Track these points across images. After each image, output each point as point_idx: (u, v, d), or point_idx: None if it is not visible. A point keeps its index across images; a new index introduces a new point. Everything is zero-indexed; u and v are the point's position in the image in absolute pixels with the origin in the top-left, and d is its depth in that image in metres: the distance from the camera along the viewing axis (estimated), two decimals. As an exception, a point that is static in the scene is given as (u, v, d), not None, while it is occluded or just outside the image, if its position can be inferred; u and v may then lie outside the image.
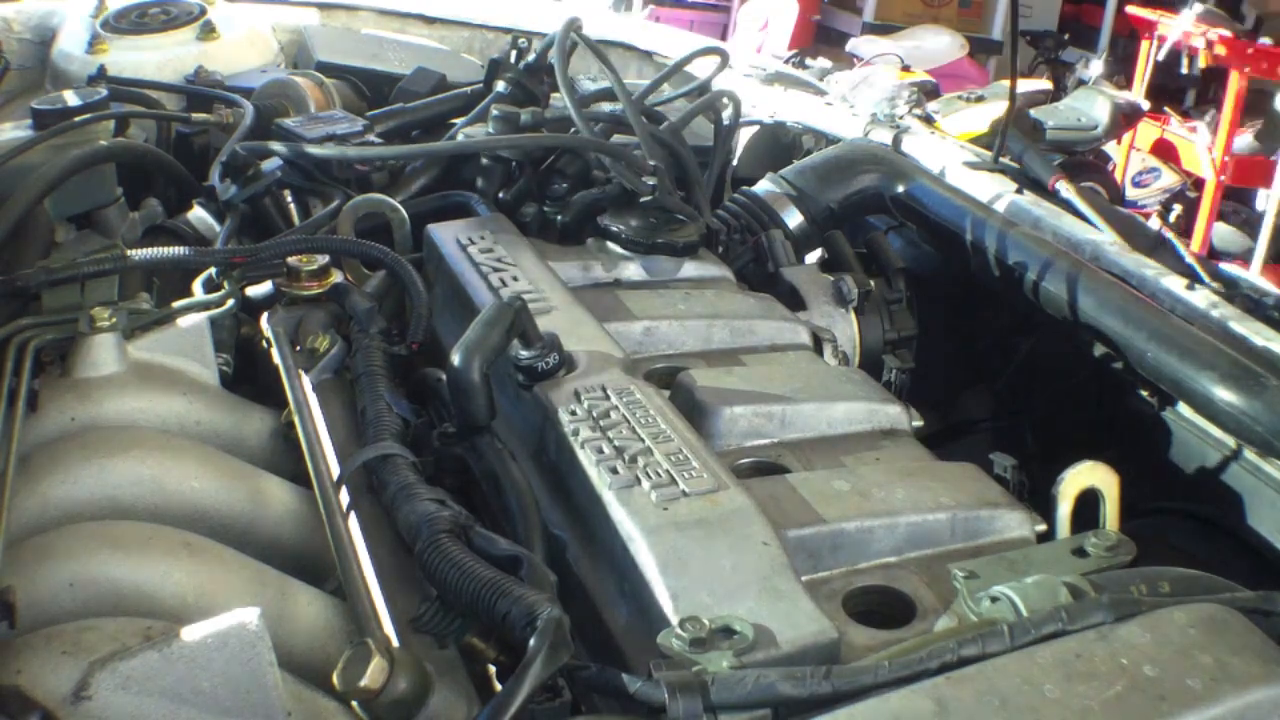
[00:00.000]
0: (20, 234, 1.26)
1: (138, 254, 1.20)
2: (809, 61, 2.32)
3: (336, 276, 1.24)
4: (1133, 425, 1.39)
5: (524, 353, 1.00)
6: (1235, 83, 6.92)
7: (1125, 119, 5.65)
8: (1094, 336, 1.39)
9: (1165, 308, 1.35)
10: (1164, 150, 7.34)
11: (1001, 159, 1.74)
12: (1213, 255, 5.67)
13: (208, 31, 2.02)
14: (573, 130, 1.54)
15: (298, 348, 1.16)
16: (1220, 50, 6.96)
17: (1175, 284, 1.38)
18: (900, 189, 1.70)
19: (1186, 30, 7.15)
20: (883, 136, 1.85)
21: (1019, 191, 1.64)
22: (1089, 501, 0.89)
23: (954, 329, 1.67)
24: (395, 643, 0.80)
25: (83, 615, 0.81)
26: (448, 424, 1.01)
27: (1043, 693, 0.66)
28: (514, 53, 1.74)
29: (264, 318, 1.22)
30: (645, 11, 7.08)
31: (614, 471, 0.87)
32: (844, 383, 1.13)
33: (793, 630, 0.74)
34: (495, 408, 0.98)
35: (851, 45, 6.77)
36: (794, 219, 1.67)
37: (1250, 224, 6.30)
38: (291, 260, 1.22)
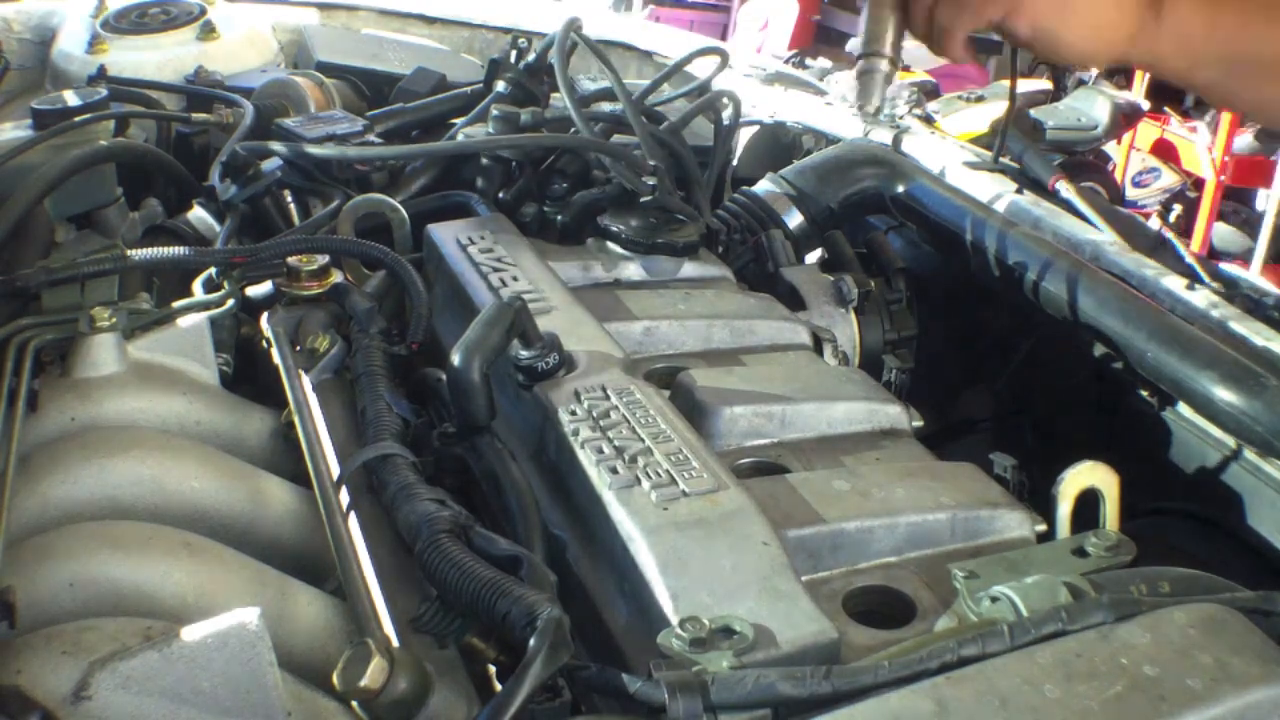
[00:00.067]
0: (20, 234, 1.26)
1: (138, 254, 1.20)
2: (809, 61, 2.32)
3: (336, 276, 1.24)
4: (1133, 425, 1.39)
5: (524, 353, 1.00)
6: (1235, 83, 6.88)
7: (1125, 119, 5.66)
8: (1094, 336, 1.39)
9: (1165, 308, 1.35)
10: (1164, 150, 7.33)
11: (1001, 159, 1.73)
12: (1213, 255, 5.67)
13: (208, 31, 2.02)
14: (573, 130, 1.54)
15: (298, 348, 1.16)
16: (1220, 50, 6.92)
17: (1175, 284, 1.38)
18: (900, 189, 1.70)
19: (1187, 30, 7.11)
20: (883, 136, 1.85)
21: (1019, 191, 1.64)
22: (1089, 501, 0.89)
23: (954, 329, 1.67)
24: (395, 643, 0.80)
25: (83, 615, 0.81)
26: (448, 424, 1.01)
27: (1043, 693, 0.66)
28: (514, 53, 1.74)
29: (264, 318, 1.22)
30: (645, 11, 7.08)
31: (614, 471, 0.87)
32: (844, 383, 1.13)
33: (793, 630, 0.74)
34: (495, 408, 0.98)
35: (852, 45, 6.77)
36: (794, 219, 1.67)
37: (1250, 224, 6.30)
38: (291, 260, 1.22)
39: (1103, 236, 1.51)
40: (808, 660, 0.72)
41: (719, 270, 1.36)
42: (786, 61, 2.69)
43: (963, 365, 1.70)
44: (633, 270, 1.33)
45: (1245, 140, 7.20)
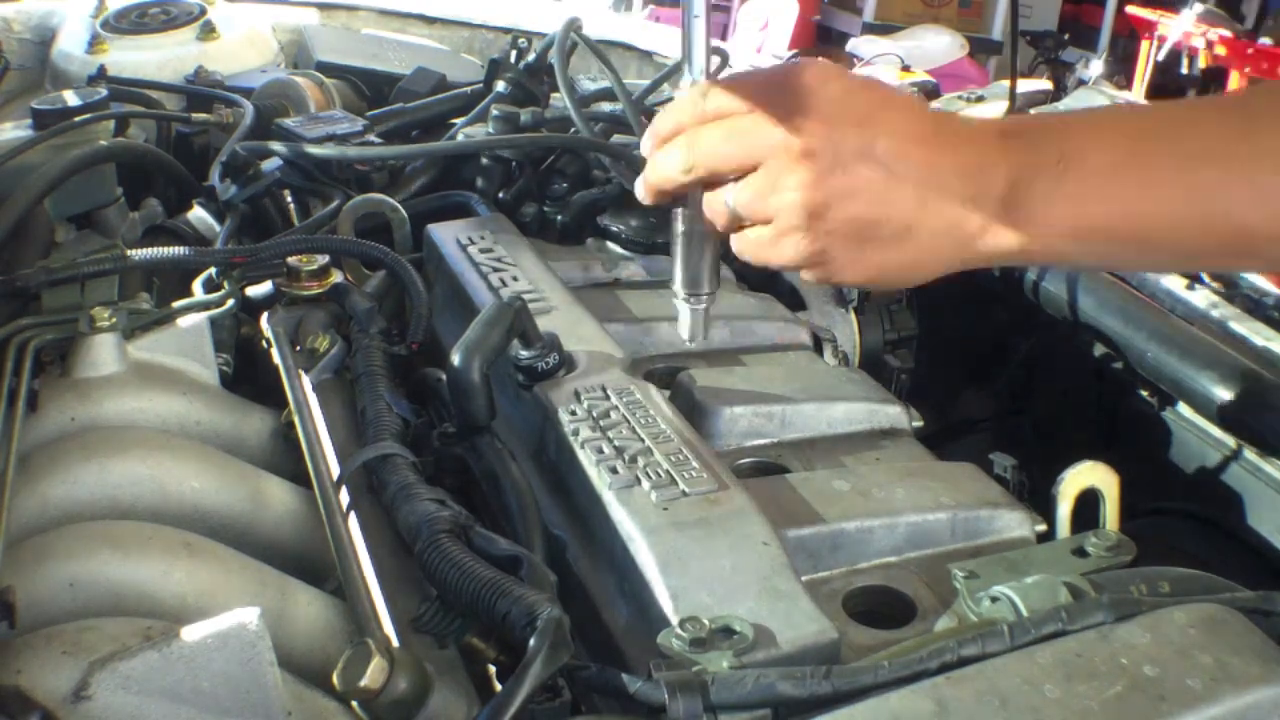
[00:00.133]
0: (20, 234, 1.26)
1: (138, 254, 1.20)
2: (809, 61, 2.31)
3: (336, 276, 1.24)
4: (1133, 425, 1.39)
5: (524, 353, 1.00)
6: (1235, 83, 6.91)
7: (1125, 119, 5.64)
8: (1094, 336, 1.39)
9: (1165, 308, 1.35)
10: (1164, 150, 7.28)
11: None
12: (1213, 255, 5.65)
13: (208, 31, 2.02)
14: (573, 130, 1.54)
15: (298, 348, 1.16)
16: (1220, 50, 6.95)
17: (1175, 284, 1.38)
18: (900, 189, 1.70)
19: (1186, 30, 7.14)
20: (883, 136, 1.85)
21: (1019, 191, 1.64)
22: (1089, 501, 0.89)
23: (954, 329, 1.67)
24: (395, 643, 0.80)
25: (83, 615, 0.81)
26: (448, 424, 1.01)
27: (1043, 692, 0.66)
28: (514, 53, 1.74)
29: (264, 318, 1.22)
30: (645, 11, 7.08)
31: (614, 471, 0.87)
32: (844, 383, 1.13)
33: (793, 630, 0.74)
34: (495, 408, 0.98)
35: (851, 45, 6.77)
36: (794, 219, 1.66)
37: (1250, 224, 6.28)
38: (291, 260, 1.22)
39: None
40: (808, 660, 0.72)
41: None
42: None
43: (963, 365, 1.70)
44: (633, 270, 1.33)
45: (1245, 140, 7.16)
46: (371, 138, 1.56)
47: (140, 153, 1.51)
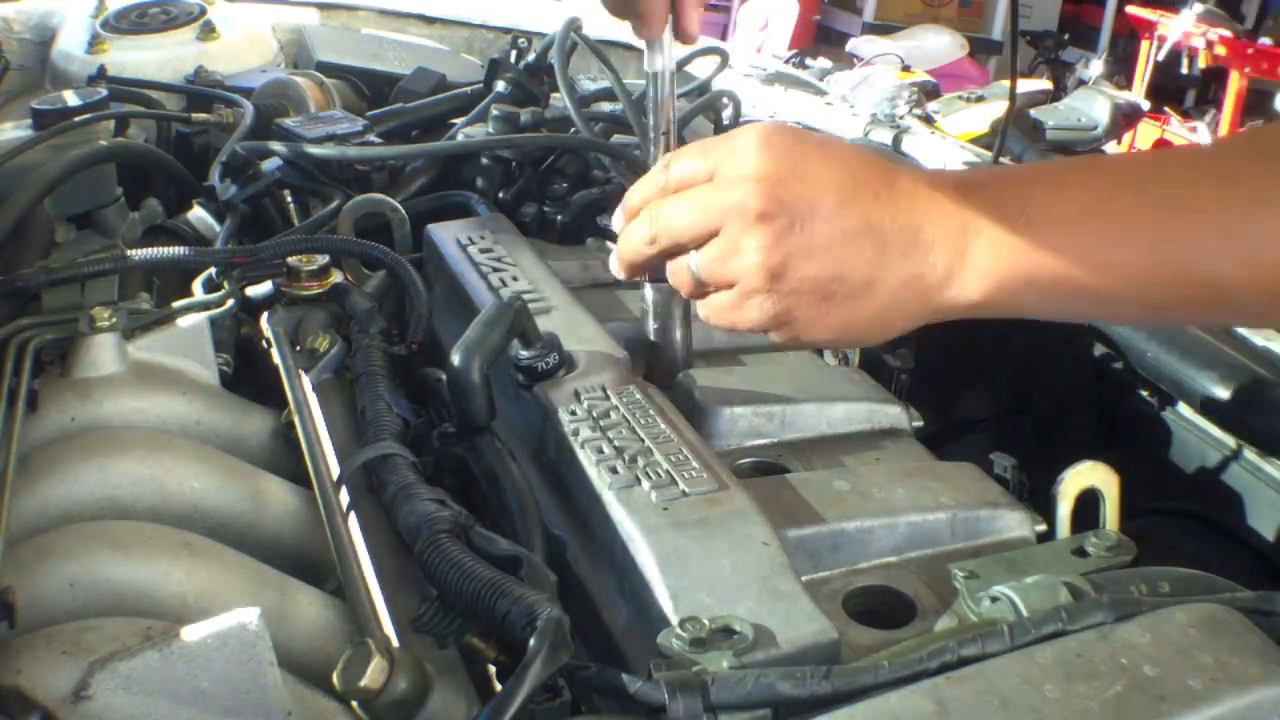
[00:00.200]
0: (20, 234, 1.26)
1: (138, 254, 1.19)
2: (809, 61, 2.32)
3: (336, 276, 1.24)
4: (1133, 425, 1.39)
5: (524, 353, 1.00)
6: (1235, 83, 6.92)
7: (1125, 119, 5.64)
8: (1094, 336, 1.39)
9: (1165, 308, 1.35)
10: (1164, 150, 7.30)
11: (1001, 159, 1.74)
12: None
13: (208, 31, 2.02)
14: (573, 130, 1.54)
15: (298, 348, 1.16)
16: (1220, 50, 6.96)
17: (1175, 284, 1.38)
18: (900, 189, 1.70)
19: (1186, 30, 7.15)
20: (883, 136, 1.85)
21: (1019, 191, 1.64)
22: (1089, 501, 0.89)
23: (954, 329, 1.67)
24: (395, 643, 0.80)
25: (83, 615, 0.81)
26: (448, 424, 1.01)
27: (1043, 692, 0.66)
28: (514, 53, 1.74)
29: (264, 318, 1.22)
30: (645, 12, 7.06)
31: (614, 471, 0.87)
32: (844, 383, 1.13)
33: (793, 630, 0.74)
34: (495, 408, 0.98)
35: (851, 45, 6.77)
36: (794, 219, 1.66)
37: (1250, 224, 6.29)
38: (291, 260, 1.22)
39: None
40: (808, 660, 0.72)
41: (719, 270, 1.36)
42: (786, 61, 2.69)
43: (963, 365, 1.70)
44: (633, 270, 1.33)
45: (1245, 140, 7.17)
46: (371, 138, 1.56)
47: (140, 153, 1.51)
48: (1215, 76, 7.47)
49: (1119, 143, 6.70)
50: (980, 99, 4.22)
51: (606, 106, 1.66)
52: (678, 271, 0.94)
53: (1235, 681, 0.66)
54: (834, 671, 0.67)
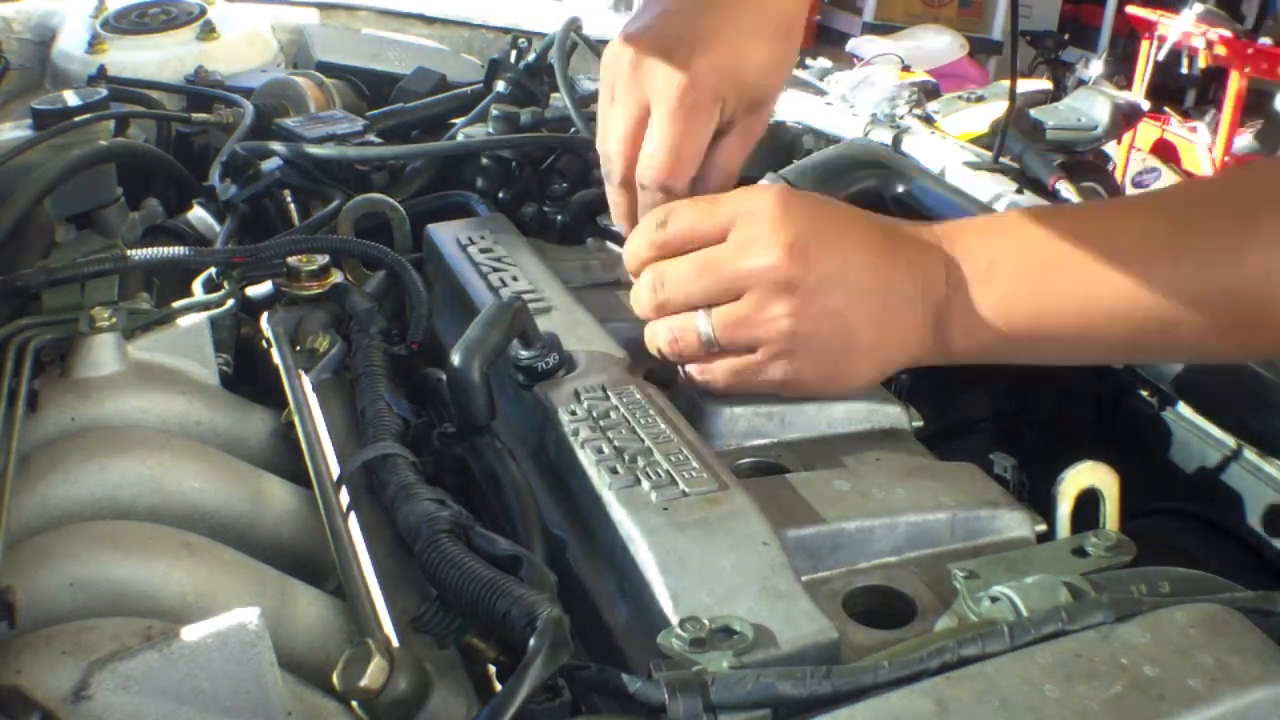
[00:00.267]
0: (20, 234, 1.26)
1: (138, 254, 1.20)
2: (809, 61, 2.32)
3: (336, 276, 1.24)
4: (1133, 425, 1.39)
5: (524, 353, 1.00)
6: (1235, 83, 6.92)
7: (1125, 119, 5.66)
8: (1094, 336, 1.39)
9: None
10: (1164, 150, 7.33)
11: (1001, 159, 1.74)
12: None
13: (208, 31, 2.02)
14: (573, 130, 1.54)
15: (298, 348, 1.16)
16: (1220, 50, 6.96)
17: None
18: (900, 189, 1.70)
19: (1186, 30, 7.15)
20: (883, 136, 1.85)
21: (1019, 191, 1.64)
22: (1089, 501, 0.89)
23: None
24: (395, 643, 0.80)
25: (83, 615, 0.81)
26: (448, 424, 1.01)
27: (1043, 692, 0.66)
28: (514, 53, 1.74)
29: (264, 318, 1.22)
30: (645, 11, 7.06)
31: (614, 471, 0.87)
32: (844, 383, 1.13)
33: (793, 630, 0.74)
34: (495, 408, 0.98)
35: (851, 45, 6.78)
36: (794, 219, 1.66)
37: (1250, 224, 6.30)
38: (291, 260, 1.22)
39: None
40: (808, 660, 0.72)
41: (719, 270, 1.36)
42: (786, 61, 2.69)
43: (963, 365, 1.70)
44: (633, 270, 1.33)
45: (1245, 140, 7.20)
46: (371, 138, 1.56)
47: (140, 153, 1.51)
48: (1215, 76, 7.47)
49: (1119, 143, 6.72)
50: (980, 99, 4.23)
51: (606, 106, 1.66)
52: (684, 335, 0.96)
53: (1235, 681, 0.66)
54: (834, 671, 0.67)
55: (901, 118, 1.90)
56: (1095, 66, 7.76)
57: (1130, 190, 6.78)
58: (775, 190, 0.95)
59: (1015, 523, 0.93)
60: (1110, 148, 6.52)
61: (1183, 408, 1.31)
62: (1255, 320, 0.90)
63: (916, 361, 0.98)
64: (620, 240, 1.36)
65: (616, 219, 1.14)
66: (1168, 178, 6.98)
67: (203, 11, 2.07)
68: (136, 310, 1.17)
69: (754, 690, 0.66)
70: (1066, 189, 1.64)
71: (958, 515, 0.92)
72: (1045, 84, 6.36)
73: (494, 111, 1.55)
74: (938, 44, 7.40)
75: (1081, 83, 7.14)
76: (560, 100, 1.59)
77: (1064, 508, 0.89)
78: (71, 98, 1.48)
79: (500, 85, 1.70)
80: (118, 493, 0.96)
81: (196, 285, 1.28)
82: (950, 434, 1.58)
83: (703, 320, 0.94)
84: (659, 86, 1.02)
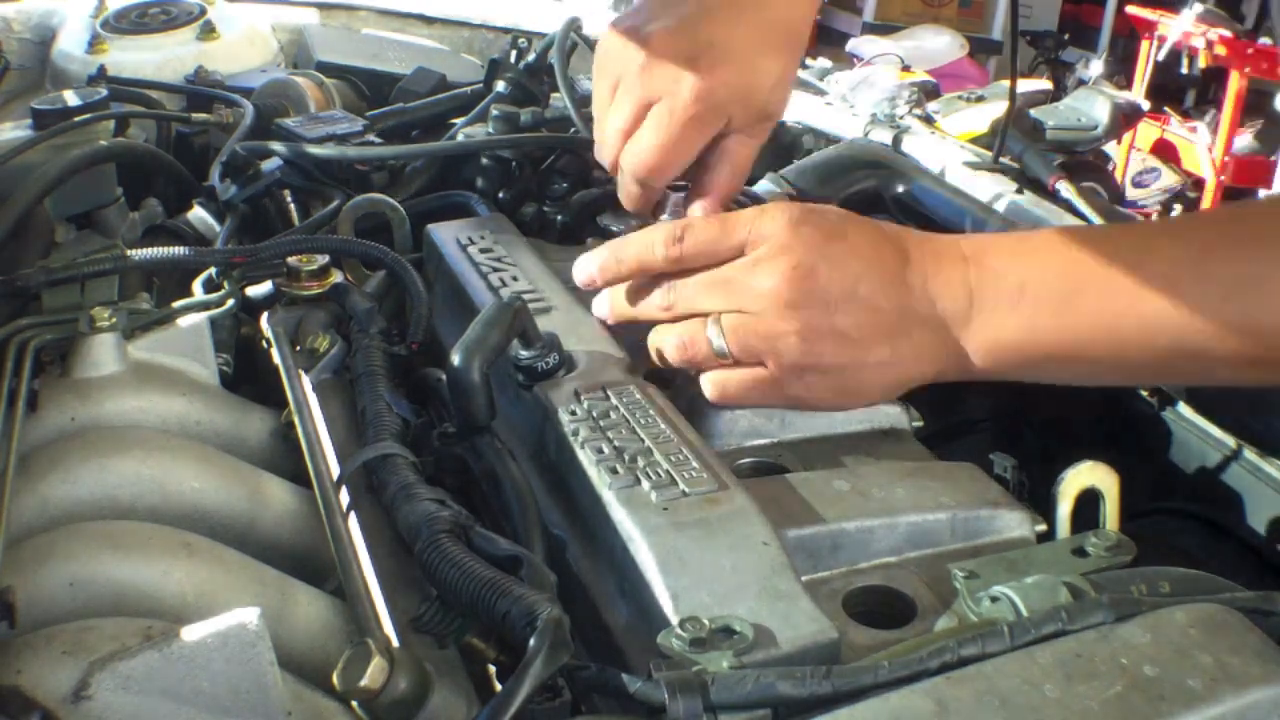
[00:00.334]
0: (20, 234, 1.26)
1: (138, 254, 1.20)
2: (809, 61, 2.32)
3: (336, 276, 1.24)
4: (1133, 425, 1.39)
5: (524, 353, 1.00)
6: (1235, 83, 6.92)
7: (1125, 119, 5.66)
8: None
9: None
10: (1164, 150, 7.33)
11: (1001, 159, 1.73)
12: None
13: (208, 31, 2.02)
14: (573, 130, 1.54)
15: (298, 348, 1.16)
16: (1220, 50, 6.96)
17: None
18: (900, 189, 1.70)
19: (1186, 30, 7.15)
20: (883, 136, 1.85)
21: (1019, 191, 1.64)
22: (1089, 501, 0.89)
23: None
24: (395, 643, 0.80)
25: (83, 615, 0.81)
26: (448, 424, 1.01)
27: (1043, 692, 0.66)
28: (514, 53, 1.74)
29: (264, 318, 1.22)
30: (644, 11, 7.06)
31: (614, 472, 0.87)
32: (844, 383, 1.13)
33: (793, 630, 0.74)
34: (495, 408, 0.98)
35: (851, 45, 6.78)
36: (794, 219, 1.66)
37: (1250, 224, 6.30)
38: (291, 260, 1.22)
39: (1113, 224, 1.51)
40: (808, 660, 0.72)
41: (719, 270, 1.36)
42: (786, 61, 2.69)
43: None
44: (633, 270, 1.33)
45: (1245, 140, 7.20)
46: (371, 138, 1.56)
47: (140, 153, 1.51)
48: (1215, 76, 7.47)
49: (1119, 143, 6.72)
50: (980, 99, 4.23)
51: (606, 106, 1.66)
52: (694, 343, 0.96)
53: (1235, 681, 0.66)
54: (834, 671, 0.67)
55: (901, 118, 1.90)
56: (1095, 66, 7.76)
57: (1130, 190, 6.78)
58: (789, 210, 0.96)
59: (1015, 523, 0.93)
60: (1110, 148, 6.52)
61: (1183, 408, 1.31)
62: None
63: (932, 379, 0.98)
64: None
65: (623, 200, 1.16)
66: (1168, 178, 6.99)
67: (203, 11, 2.07)
68: (136, 310, 1.17)
69: (754, 690, 0.66)
70: (1066, 189, 1.64)
71: (958, 515, 0.92)
72: (1045, 84, 6.36)
73: (494, 111, 1.55)
74: (938, 44, 7.40)
75: (1081, 83, 7.14)
76: (560, 100, 1.58)
77: (1064, 508, 0.89)
78: (71, 98, 1.48)
79: (500, 85, 1.69)
80: (118, 493, 0.96)
81: (196, 285, 1.28)
82: (950, 434, 1.58)
83: (714, 329, 0.95)
84: (669, 90, 1.04)
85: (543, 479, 0.96)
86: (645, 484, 0.86)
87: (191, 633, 0.72)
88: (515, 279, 1.19)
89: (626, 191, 1.13)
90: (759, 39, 1.06)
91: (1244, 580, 0.80)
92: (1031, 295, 0.92)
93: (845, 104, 2.01)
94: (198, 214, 1.48)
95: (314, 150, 1.46)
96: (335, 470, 0.99)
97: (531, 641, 0.70)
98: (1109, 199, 4.97)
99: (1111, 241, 0.95)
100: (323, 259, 1.23)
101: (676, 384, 1.08)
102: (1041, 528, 0.93)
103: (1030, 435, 1.57)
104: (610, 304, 1.05)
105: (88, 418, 1.05)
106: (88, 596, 0.84)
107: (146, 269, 1.27)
